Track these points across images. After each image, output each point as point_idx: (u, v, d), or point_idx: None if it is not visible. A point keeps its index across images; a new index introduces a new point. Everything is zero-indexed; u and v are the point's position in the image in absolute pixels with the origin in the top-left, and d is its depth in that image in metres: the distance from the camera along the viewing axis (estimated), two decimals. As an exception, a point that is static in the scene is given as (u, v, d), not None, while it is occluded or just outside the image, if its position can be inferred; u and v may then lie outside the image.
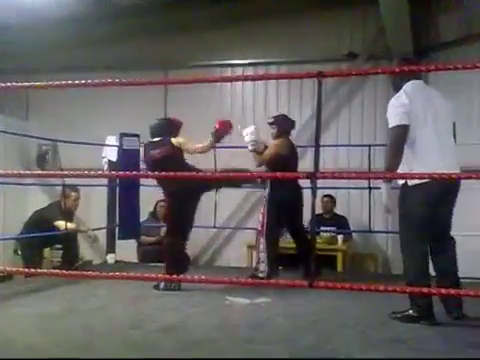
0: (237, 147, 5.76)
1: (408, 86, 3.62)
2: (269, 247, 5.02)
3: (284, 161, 5.02)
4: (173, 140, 4.97)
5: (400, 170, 3.52)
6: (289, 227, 5.38)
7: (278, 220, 5.08)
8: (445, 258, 3.62)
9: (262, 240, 5.04)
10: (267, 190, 5.11)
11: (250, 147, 5.14)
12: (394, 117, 3.52)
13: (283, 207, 5.03)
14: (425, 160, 3.47)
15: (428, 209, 3.50)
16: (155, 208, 7.26)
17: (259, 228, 5.11)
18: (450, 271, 3.59)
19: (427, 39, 7.17)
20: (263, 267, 4.99)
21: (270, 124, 5.32)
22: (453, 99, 6.54)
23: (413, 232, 3.54)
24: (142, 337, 3.29)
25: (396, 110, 3.53)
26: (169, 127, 5.14)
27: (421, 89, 3.66)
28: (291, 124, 5.37)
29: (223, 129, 5.01)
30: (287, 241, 6.84)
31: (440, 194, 3.47)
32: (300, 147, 5.91)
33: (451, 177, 2.78)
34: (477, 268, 5.89)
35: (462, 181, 3.50)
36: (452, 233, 3.73)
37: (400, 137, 3.51)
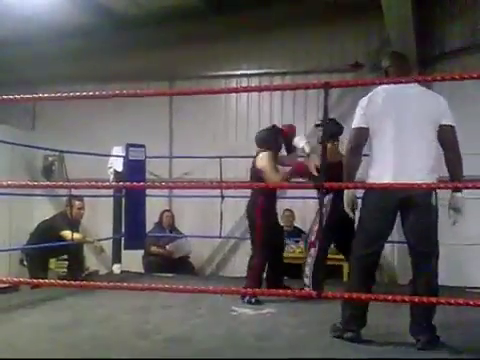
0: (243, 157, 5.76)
1: (380, 87, 3.42)
2: (321, 259, 4.69)
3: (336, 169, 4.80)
4: (258, 158, 4.80)
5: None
6: (342, 238, 4.83)
7: (333, 231, 4.68)
8: (419, 278, 3.28)
9: (312, 252, 4.77)
10: (328, 199, 4.73)
11: (306, 149, 4.81)
12: (355, 119, 3.41)
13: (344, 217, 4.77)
14: (376, 167, 3.33)
15: (370, 217, 3.34)
16: (161, 218, 7.28)
17: (312, 239, 4.82)
18: (421, 292, 3.16)
19: (432, 49, 7.19)
20: (308, 281, 4.72)
21: (316, 126, 5.10)
22: (459, 108, 6.64)
23: (357, 237, 3.44)
24: (149, 347, 3.28)
25: (356, 112, 3.42)
26: (264, 140, 4.92)
27: (394, 90, 3.35)
28: (339, 129, 4.98)
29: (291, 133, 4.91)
30: (292, 251, 6.87)
31: (385, 204, 3.27)
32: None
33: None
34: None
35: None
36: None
37: (355, 139, 3.38)
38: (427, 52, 7.16)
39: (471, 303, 2.31)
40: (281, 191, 7.57)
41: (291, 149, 5.02)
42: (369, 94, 3.42)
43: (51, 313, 4.26)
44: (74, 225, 5.91)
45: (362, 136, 3.36)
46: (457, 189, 3.28)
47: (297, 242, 6.91)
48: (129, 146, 6.16)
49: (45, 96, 2.92)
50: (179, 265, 6.91)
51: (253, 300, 4.52)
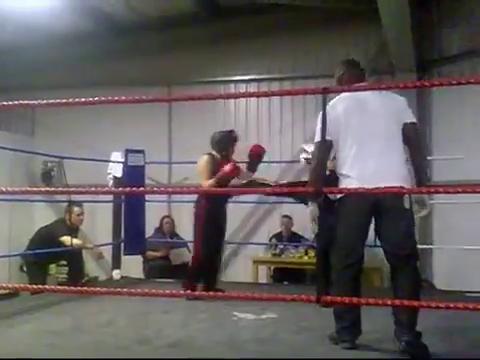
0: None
1: (338, 96, 3.35)
2: (320, 265, 4.58)
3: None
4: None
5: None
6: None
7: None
8: (398, 282, 3.21)
9: None
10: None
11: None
12: (316, 133, 3.30)
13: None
14: (345, 177, 3.27)
15: (344, 227, 3.27)
16: (161, 223, 7.28)
17: None
18: (402, 295, 3.09)
19: (430, 53, 7.22)
20: None
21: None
22: (457, 112, 6.68)
23: (335, 249, 3.34)
24: (150, 353, 3.28)
25: (317, 126, 3.26)
26: (212, 142, 5.12)
27: (353, 97, 3.31)
28: None
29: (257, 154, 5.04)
30: (291, 256, 6.87)
31: (357, 210, 3.20)
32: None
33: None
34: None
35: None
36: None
37: (319, 153, 3.31)
38: (425, 57, 7.19)
39: (470, 307, 2.31)
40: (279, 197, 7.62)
41: (253, 168, 5.13)
42: (328, 105, 3.28)
43: (51, 319, 4.25)
44: (73, 231, 5.92)
45: (322, 150, 3.27)
46: (422, 184, 3.21)
47: (296, 247, 6.91)
48: (128, 152, 6.16)
49: (43, 102, 2.92)
50: (179, 271, 6.90)
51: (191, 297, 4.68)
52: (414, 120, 3.32)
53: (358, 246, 3.29)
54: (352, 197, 3.21)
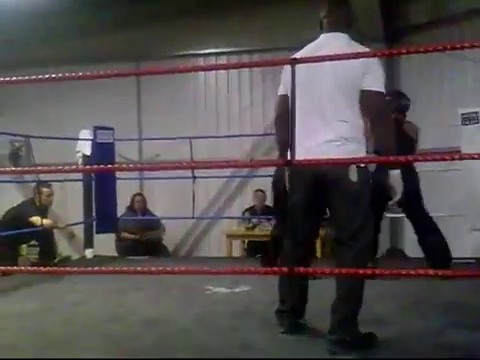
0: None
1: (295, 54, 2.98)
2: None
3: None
4: None
5: None
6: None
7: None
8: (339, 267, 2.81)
9: None
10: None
11: None
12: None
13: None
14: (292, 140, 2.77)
15: (292, 201, 2.88)
16: (132, 201, 7.22)
17: None
18: (337, 286, 2.85)
19: (398, 23, 7.21)
20: None
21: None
22: (425, 81, 6.70)
23: (286, 224, 3.24)
24: (122, 330, 3.27)
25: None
26: None
27: (307, 52, 3.00)
28: (406, 103, 4.66)
29: None
30: (265, 230, 6.87)
31: (300, 183, 2.87)
32: (274, 135, 5.79)
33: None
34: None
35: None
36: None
37: (276, 109, 3.17)
38: (393, 26, 7.18)
39: (439, 274, 2.34)
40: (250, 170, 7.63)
41: None
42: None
43: (23, 300, 4.20)
44: (43, 211, 5.83)
45: (282, 104, 3.08)
46: (392, 167, 2.90)
47: (269, 221, 6.92)
48: (97, 129, 6.08)
49: (6, 80, 2.83)
50: (153, 248, 6.89)
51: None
52: (378, 88, 2.87)
53: (303, 223, 2.95)
54: (293, 170, 2.84)
